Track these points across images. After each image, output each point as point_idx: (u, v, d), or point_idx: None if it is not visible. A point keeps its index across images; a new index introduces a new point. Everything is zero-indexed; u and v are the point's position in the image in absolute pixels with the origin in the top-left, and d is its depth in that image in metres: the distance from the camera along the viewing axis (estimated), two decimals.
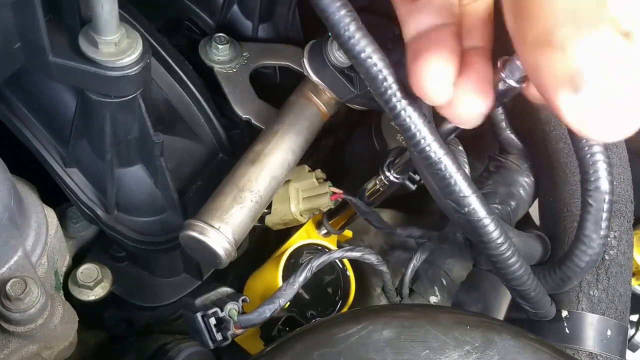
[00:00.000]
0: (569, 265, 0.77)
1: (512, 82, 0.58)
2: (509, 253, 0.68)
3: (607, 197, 0.72)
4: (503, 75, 0.58)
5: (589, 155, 0.70)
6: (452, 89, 0.57)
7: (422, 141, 0.60)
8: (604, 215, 0.73)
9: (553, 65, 0.45)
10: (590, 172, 0.71)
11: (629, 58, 0.44)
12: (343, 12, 0.57)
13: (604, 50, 0.44)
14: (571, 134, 0.71)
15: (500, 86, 0.59)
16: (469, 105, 0.58)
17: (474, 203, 0.64)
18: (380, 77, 0.59)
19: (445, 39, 0.58)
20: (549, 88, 0.46)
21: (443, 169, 0.62)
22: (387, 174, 0.89)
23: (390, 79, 0.59)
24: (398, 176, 0.88)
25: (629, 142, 0.92)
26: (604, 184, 0.71)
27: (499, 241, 0.67)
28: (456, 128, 0.69)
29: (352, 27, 0.58)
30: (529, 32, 0.46)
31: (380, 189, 0.90)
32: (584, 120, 0.45)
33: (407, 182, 0.90)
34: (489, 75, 0.58)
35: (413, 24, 0.60)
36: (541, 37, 0.45)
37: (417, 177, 0.91)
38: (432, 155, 0.61)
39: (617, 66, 0.44)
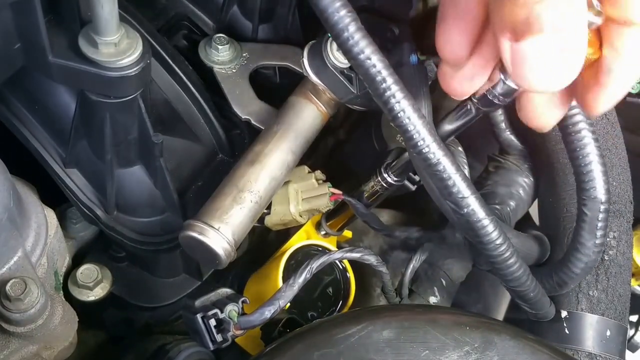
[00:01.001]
0: (565, 271, 0.77)
1: (510, 83, 0.59)
2: (508, 254, 0.69)
3: (602, 206, 0.72)
4: (502, 75, 0.59)
5: (583, 164, 0.71)
6: (465, 55, 0.59)
7: (421, 142, 0.60)
8: (599, 224, 0.73)
9: (505, 9, 0.48)
10: (586, 180, 0.71)
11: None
12: (343, 12, 0.57)
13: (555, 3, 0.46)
14: (566, 143, 0.72)
15: (498, 86, 0.60)
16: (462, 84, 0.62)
17: (473, 204, 0.64)
18: (379, 78, 0.59)
19: (469, 6, 0.58)
20: (496, 28, 0.50)
21: (442, 170, 0.62)
22: (385, 175, 0.89)
23: (390, 80, 0.59)
24: (396, 179, 0.89)
25: (628, 142, 0.92)
26: (599, 193, 0.71)
27: (498, 242, 0.67)
28: (456, 129, 0.69)
29: (352, 28, 0.58)
30: None
31: (379, 191, 0.90)
32: (514, 64, 0.49)
33: (407, 183, 0.91)
34: (492, 61, 0.60)
35: None
36: None
37: (416, 178, 0.91)
38: (431, 156, 0.61)
39: (558, 26, 0.47)
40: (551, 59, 0.48)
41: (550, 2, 0.47)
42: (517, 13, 0.48)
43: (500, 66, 0.58)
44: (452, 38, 0.59)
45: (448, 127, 0.68)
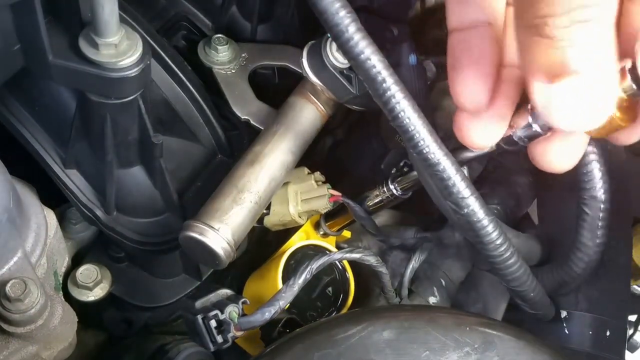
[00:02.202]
0: (565, 271, 0.77)
1: (537, 127, 0.59)
2: (508, 254, 0.69)
3: (602, 206, 0.72)
4: (530, 119, 0.59)
5: (583, 164, 0.70)
6: (486, 102, 0.59)
7: (421, 142, 0.61)
8: (600, 223, 0.73)
9: (538, 51, 0.49)
10: (586, 180, 0.71)
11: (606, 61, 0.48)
12: (342, 13, 0.58)
13: (589, 48, 0.47)
14: None
15: (523, 130, 0.60)
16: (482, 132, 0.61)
17: (473, 204, 0.64)
18: (379, 78, 0.59)
19: (484, 49, 0.58)
20: (529, 70, 0.50)
21: (442, 170, 0.62)
22: (391, 187, 0.89)
23: (390, 81, 0.59)
24: (402, 192, 0.89)
25: None
26: (599, 193, 0.71)
27: (498, 242, 0.67)
28: (475, 157, 0.69)
29: (352, 29, 0.58)
30: (526, 14, 0.48)
31: (383, 200, 0.91)
32: (552, 107, 0.50)
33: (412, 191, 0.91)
34: (511, 104, 0.60)
35: (457, 15, 0.60)
36: (535, 22, 0.48)
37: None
38: (432, 156, 0.61)
39: (591, 68, 0.48)
40: (586, 99, 0.49)
41: (584, 45, 0.48)
42: (552, 54, 0.48)
43: (530, 110, 0.58)
44: (470, 86, 0.59)
45: (468, 154, 0.68)
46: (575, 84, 0.48)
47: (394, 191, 0.89)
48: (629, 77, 0.50)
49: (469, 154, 0.68)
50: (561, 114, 0.50)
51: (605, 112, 0.50)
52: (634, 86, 0.50)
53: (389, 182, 0.89)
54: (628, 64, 0.50)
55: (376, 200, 0.92)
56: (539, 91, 0.50)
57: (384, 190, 0.90)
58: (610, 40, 0.49)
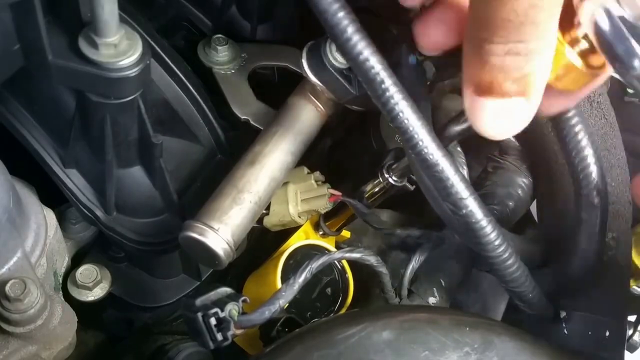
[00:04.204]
0: (563, 274, 0.78)
1: None
2: (506, 255, 0.68)
3: (599, 211, 0.72)
4: None
5: (580, 169, 0.70)
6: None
7: (420, 143, 0.61)
8: (597, 227, 0.73)
9: (473, 68, 0.55)
10: (583, 185, 0.71)
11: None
12: (341, 14, 0.58)
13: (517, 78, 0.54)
14: (562, 146, 0.72)
15: None
16: None
17: (472, 205, 0.64)
18: (378, 79, 0.59)
19: None
20: (464, 79, 0.56)
21: (441, 171, 0.62)
22: (386, 176, 0.89)
23: (388, 82, 0.59)
24: (397, 179, 0.89)
25: (627, 142, 0.92)
26: (596, 198, 0.71)
27: (497, 243, 0.67)
28: (458, 134, 0.69)
29: (350, 30, 0.58)
30: (473, 29, 0.54)
31: (379, 191, 0.91)
32: (470, 112, 0.57)
33: (406, 183, 0.91)
34: None
35: None
36: (475, 41, 0.54)
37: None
38: (430, 157, 0.61)
39: (516, 94, 0.55)
40: (504, 118, 0.56)
41: (510, 71, 0.54)
42: (483, 76, 0.55)
43: None
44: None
45: (456, 128, 0.68)
46: (497, 104, 0.55)
47: (390, 180, 0.89)
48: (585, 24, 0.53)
49: (457, 128, 0.69)
50: (481, 123, 0.57)
51: (521, 128, 0.57)
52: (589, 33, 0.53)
53: (383, 172, 0.90)
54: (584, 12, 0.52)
55: (374, 191, 0.92)
56: (467, 99, 0.57)
57: (379, 181, 0.90)
58: (543, 71, 0.54)
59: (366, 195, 0.92)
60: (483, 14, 0.52)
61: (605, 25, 0.50)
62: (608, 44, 0.51)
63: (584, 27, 0.52)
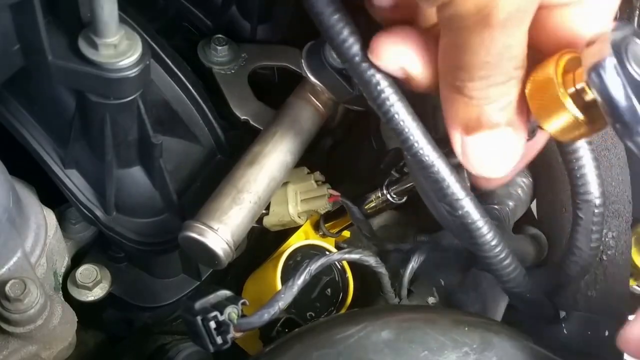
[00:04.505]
0: (560, 274, 0.78)
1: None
2: (503, 255, 0.68)
3: (596, 210, 0.72)
4: None
5: (577, 167, 0.70)
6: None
7: (415, 145, 0.61)
8: (594, 228, 0.73)
9: (458, 107, 0.56)
10: (580, 184, 0.71)
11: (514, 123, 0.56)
12: (336, 16, 0.58)
13: (502, 104, 0.55)
14: (559, 145, 0.72)
15: None
16: None
17: (468, 206, 0.64)
18: (374, 80, 0.59)
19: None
20: (450, 122, 0.58)
21: (436, 172, 0.62)
22: (385, 192, 0.90)
23: (384, 83, 0.59)
24: (396, 197, 0.90)
25: None
26: (593, 196, 0.71)
27: (493, 243, 0.67)
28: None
29: (345, 32, 0.58)
30: (450, 74, 0.56)
31: (378, 205, 0.92)
32: (466, 155, 0.58)
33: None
34: None
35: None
36: (456, 83, 0.55)
37: None
38: (426, 158, 0.61)
39: (504, 121, 0.56)
40: (498, 151, 0.57)
41: (497, 102, 0.55)
42: (470, 111, 0.56)
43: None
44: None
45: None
46: (490, 138, 0.57)
47: (388, 197, 0.90)
48: (587, 81, 0.51)
49: None
50: (478, 163, 0.58)
51: (515, 161, 0.58)
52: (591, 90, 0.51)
53: (384, 187, 0.90)
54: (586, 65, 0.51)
55: (372, 205, 0.93)
56: (457, 141, 0.58)
57: (379, 195, 0.91)
58: (518, 95, 0.56)
59: (365, 206, 0.93)
60: (458, 62, 0.54)
61: (608, 80, 0.49)
62: (609, 102, 0.50)
63: (586, 78, 0.51)
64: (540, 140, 0.64)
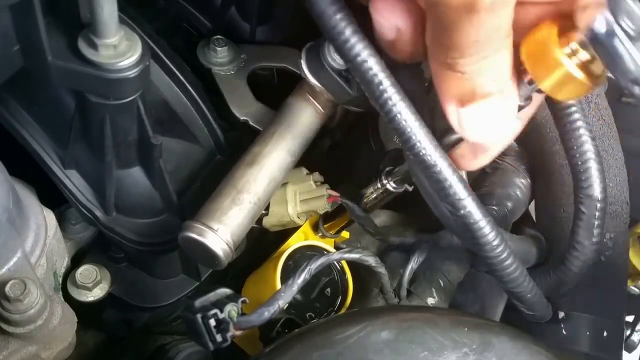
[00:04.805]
0: (562, 270, 0.78)
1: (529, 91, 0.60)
2: (504, 255, 0.69)
3: (598, 205, 0.72)
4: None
5: (580, 162, 0.71)
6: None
7: (418, 145, 0.61)
8: (596, 222, 0.73)
9: (451, 83, 0.58)
10: (583, 179, 0.71)
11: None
12: (338, 16, 0.58)
13: (494, 75, 0.57)
14: (563, 141, 0.72)
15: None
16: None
17: (470, 206, 0.64)
18: (376, 81, 0.59)
19: None
20: (444, 97, 0.59)
21: (439, 172, 0.62)
22: (385, 182, 0.89)
23: (386, 83, 0.59)
24: (396, 186, 0.89)
25: (625, 143, 0.93)
26: (596, 191, 0.72)
27: (495, 243, 0.67)
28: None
29: (348, 32, 0.58)
30: (441, 54, 0.57)
31: (378, 197, 0.91)
32: (462, 125, 0.59)
33: (407, 186, 0.91)
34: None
35: None
36: (448, 61, 0.56)
37: None
38: (428, 158, 0.61)
39: (496, 90, 0.57)
40: (494, 117, 0.59)
41: (489, 73, 0.57)
42: (463, 85, 0.57)
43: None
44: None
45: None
46: (485, 106, 0.58)
47: (388, 186, 0.90)
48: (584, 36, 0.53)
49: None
50: (476, 132, 0.60)
51: (510, 124, 0.60)
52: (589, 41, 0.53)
53: (382, 177, 0.90)
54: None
55: (372, 197, 0.92)
56: (453, 113, 0.59)
57: (378, 187, 0.91)
58: (510, 63, 0.57)
59: (365, 200, 0.93)
60: (448, 41, 0.55)
61: (602, 29, 0.51)
62: (604, 49, 0.52)
63: (582, 35, 0.53)
64: (534, 104, 0.64)
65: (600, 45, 0.52)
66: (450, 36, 0.54)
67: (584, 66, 0.55)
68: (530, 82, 0.59)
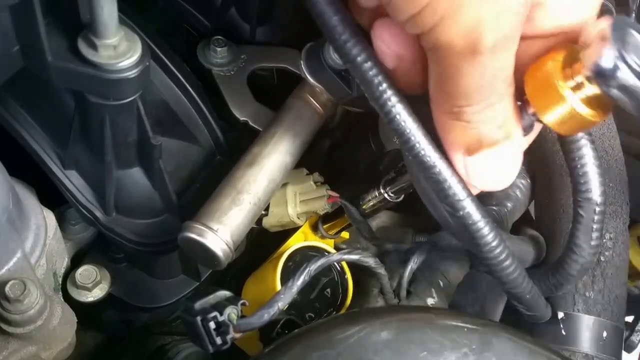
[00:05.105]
0: (560, 273, 0.78)
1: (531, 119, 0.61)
2: (503, 256, 0.68)
3: (597, 208, 0.72)
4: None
5: (579, 165, 0.70)
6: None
7: (417, 145, 0.61)
8: (595, 225, 0.73)
9: (457, 132, 0.58)
10: (581, 182, 0.71)
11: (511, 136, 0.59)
12: (338, 17, 0.58)
13: (498, 122, 0.57)
14: (562, 143, 0.72)
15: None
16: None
17: (469, 206, 0.64)
18: (376, 81, 0.59)
19: None
20: (450, 147, 0.60)
21: (438, 173, 0.62)
22: (383, 191, 0.90)
23: (385, 84, 0.59)
24: (394, 196, 0.89)
25: (625, 143, 0.93)
26: (594, 194, 0.71)
27: (494, 244, 0.67)
28: None
29: (348, 32, 0.58)
30: (446, 103, 0.57)
31: (376, 204, 0.92)
32: (470, 174, 0.61)
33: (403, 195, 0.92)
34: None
35: None
36: (454, 110, 0.57)
37: None
38: (427, 159, 0.61)
39: (502, 138, 0.58)
40: (500, 165, 0.60)
41: (495, 120, 0.57)
42: (469, 134, 0.58)
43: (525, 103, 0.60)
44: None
45: None
46: (492, 155, 0.59)
47: (385, 195, 0.90)
48: (588, 71, 0.53)
49: None
50: (480, 179, 0.61)
51: (517, 168, 0.61)
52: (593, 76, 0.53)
53: (381, 186, 0.90)
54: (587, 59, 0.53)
55: (369, 205, 0.92)
56: (460, 163, 0.60)
57: (375, 195, 0.91)
58: (512, 108, 0.58)
59: (363, 206, 0.93)
60: (452, 87, 0.55)
61: (609, 65, 0.51)
62: (611, 84, 0.52)
63: (588, 70, 0.53)
64: (535, 131, 0.64)
65: (606, 80, 0.52)
66: (454, 82, 0.55)
67: (590, 101, 0.55)
68: (534, 114, 0.59)
